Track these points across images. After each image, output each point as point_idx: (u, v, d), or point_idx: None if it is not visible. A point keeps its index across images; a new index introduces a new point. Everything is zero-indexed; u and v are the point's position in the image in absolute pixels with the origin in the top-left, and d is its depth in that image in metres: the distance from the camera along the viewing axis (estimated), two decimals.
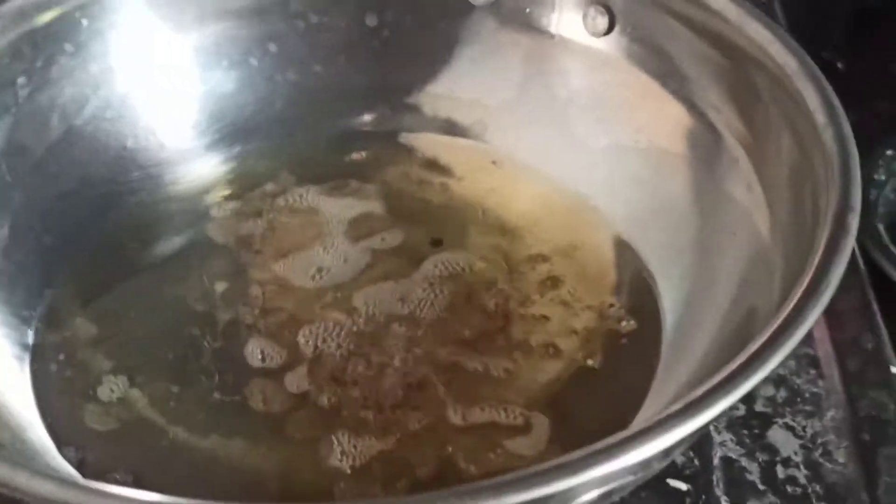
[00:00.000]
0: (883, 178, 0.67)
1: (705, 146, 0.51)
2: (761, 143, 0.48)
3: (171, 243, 0.55)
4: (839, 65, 0.76)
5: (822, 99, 0.44)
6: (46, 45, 0.53)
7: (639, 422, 0.43)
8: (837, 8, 0.84)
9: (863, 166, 0.50)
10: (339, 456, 0.45)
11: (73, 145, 0.55)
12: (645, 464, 0.34)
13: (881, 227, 0.63)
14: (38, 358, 0.49)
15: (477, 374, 0.48)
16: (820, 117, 0.43)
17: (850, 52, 0.77)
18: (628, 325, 0.50)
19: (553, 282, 0.52)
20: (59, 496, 0.31)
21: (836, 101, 0.44)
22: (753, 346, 0.35)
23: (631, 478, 0.37)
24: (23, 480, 0.32)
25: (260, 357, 0.49)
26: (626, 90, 0.55)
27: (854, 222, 0.39)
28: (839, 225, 0.39)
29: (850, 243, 0.38)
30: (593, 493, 0.36)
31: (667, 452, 0.34)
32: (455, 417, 0.46)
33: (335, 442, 0.45)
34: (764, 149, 0.47)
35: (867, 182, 0.63)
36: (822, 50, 0.73)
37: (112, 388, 0.48)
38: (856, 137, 0.43)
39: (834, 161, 0.41)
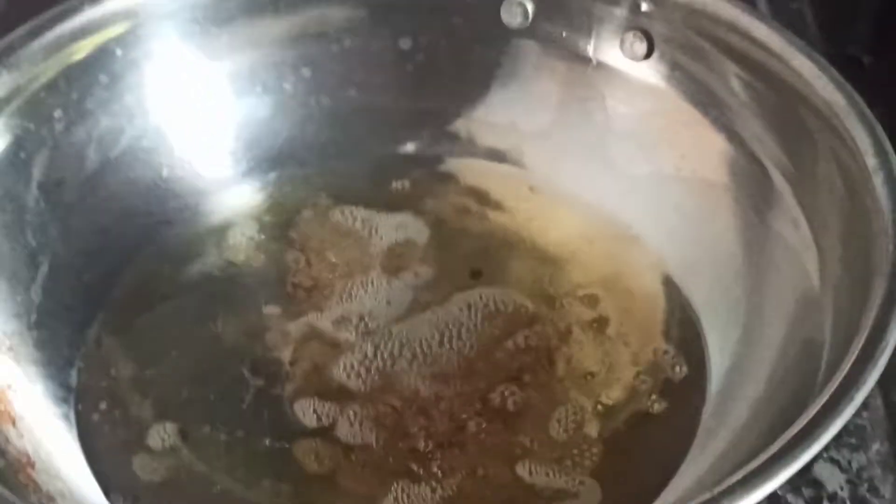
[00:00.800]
0: None
1: (749, 178, 0.51)
2: (808, 179, 0.47)
3: (208, 275, 0.55)
4: (864, 60, 0.75)
5: (873, 140, 0.43)
6: (82, 78, 0.53)
7: (686, 476, 0.43)
8: (864, 3, 0.83)
9: None
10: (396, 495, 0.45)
11: (110, 178, 0.55)
12: None
13: None
14: (83, 400, 0.49)
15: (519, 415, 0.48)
16: (871, 160, 0.43)
17: (877, 46, 0.76)
18: (677, 366, 0.49)
19: (597, 318, 0.52)
20: None
21: (888, 144, 0.43)
22: (809, 413, 0.35)
23: None
24: None
25: (303, 405, 0.49)
26: (667, 117, 0.54)
27: None
28: (894, 278, 0.38)
29: None
30: None
31: None
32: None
33: (389, 492, 0.45)
34: (810, 186, 0.47)
35: None
36: (848, 45, 0.73)
37: (161, 436, 0.47)
38: None
39: (886, 208, 0.41)
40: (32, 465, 0.43)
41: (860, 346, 0.36)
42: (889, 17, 0.81)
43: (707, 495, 0.33)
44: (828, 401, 0.35)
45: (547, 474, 0.46)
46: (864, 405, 0.51)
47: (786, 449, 0.34)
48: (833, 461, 0.50)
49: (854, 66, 0.73)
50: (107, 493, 0.45)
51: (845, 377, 0.36)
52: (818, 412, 0.34)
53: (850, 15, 0.78)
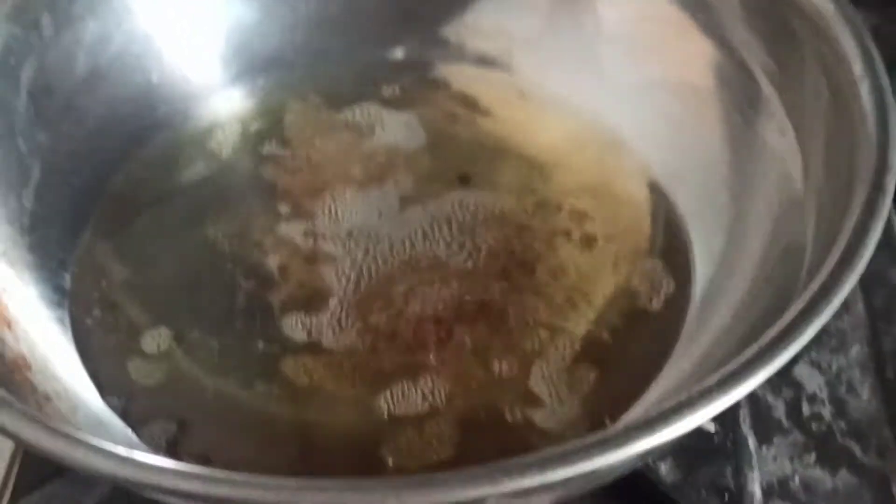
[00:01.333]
0: None
1: (737, 85, 0.51)
2: (795, 86, 0.47)
3: (199, 179, 0.55)
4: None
5: (861, 48, 0.43)
6: None
7: (670, 375, 0.44)
8: None
9: None
10: (384, 403, 0.46)
11: (100, 83, 0.55)
12: (675, 441, 0.34)
13: None
14: (77, 303, 0.49)
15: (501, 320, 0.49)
16: (857, 67, 0.43)
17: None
18: (662, 271, 0.50)
19: (583, 222, 0.52)
20: (120, 473, 0.32)
21: (875, 52, 0.43)
22: (788, 317, 0.35)
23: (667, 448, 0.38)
24: (80, 455, 0.33)
25: (293, 309, 0.49)
26: (656, 23, 0.54)
27: (891, 182, 0.39)
28: (876, 185, 0.39)
29: (887, 204, 0.38)
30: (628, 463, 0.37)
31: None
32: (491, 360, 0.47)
33: (380, 394, 0.46)
34: (797, 93, 0.47)
35: None
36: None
37: (155, 341, 0.48)
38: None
39: (870, 115, 0.41)
40: (28, 367, 0.44)
41: (840, 250, 0.37)
42: None
43: (684, 396, 0.33)
44: (806, 304, 0.35)
45: (530, 374, 0.46)
46: (845, 308, 0.53)
47: (764, 350, 0.34)
48: (813, 363, 0.51)
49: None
50: (102, 394, 0.46)
51: (825, 281, 0.36)
52: (797, 315, 0.35)
53: None
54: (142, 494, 0.35)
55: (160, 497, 0.34)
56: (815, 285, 0.36)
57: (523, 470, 0.31)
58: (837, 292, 0.36)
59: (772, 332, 0.35)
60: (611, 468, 0.35)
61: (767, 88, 0.49)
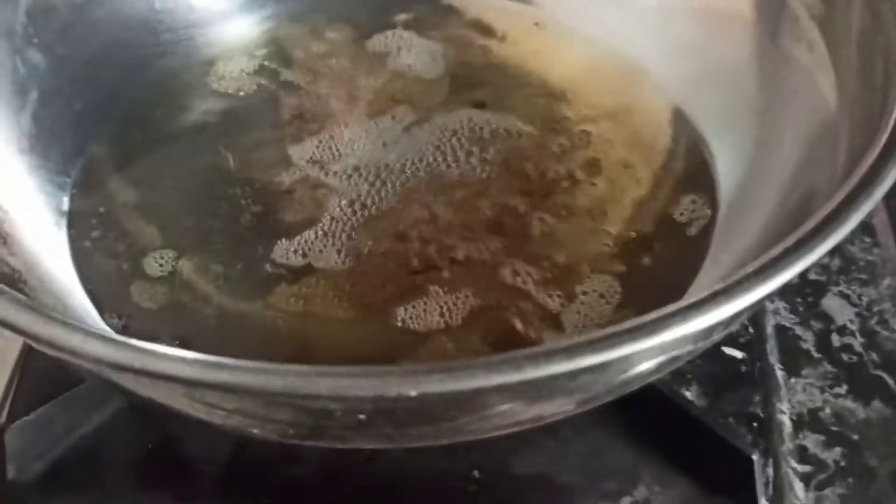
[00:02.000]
0: None
1: (762, 3, 0.49)
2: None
3: (203, 107, 0.53)
4: None
5: None
6: None
7: (696, 289, 0.42)
8: None
9: None
10: (399, 320, 0.44)
11: (101, 6, 0.53)
12: (706, 333, 0.32)
13: None
14: (76, 224, 0.48)
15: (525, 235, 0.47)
16: None
17: None
18: (681, 192, 0.48)
19: (601, 146, 0.50)
20: (118, 358, 0.30)
21: None
22: (816, 219, 0.33)
23: (690, 347, 0.36)
24: (77, 342, 0.31)
25: (301, 230, 0.47)
26: None
27: None
28: None
29: None
30: (653, 362, 0.35)
31: (727, 323, 0.33)
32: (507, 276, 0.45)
33: (394, 309, 0.44)
34: (828, 4, 0.45)
35: None
36: None
37: (158, 263, 0.46)
38: None
39: None
40: (25, 282, 0.42)
41: (871, 161, 0.35)
42: None
43: (716, 287, 0.31)
44: (834, 209, 0.33)
45: (551, 291, 0.45)
46: (875, 242, 0.51)
47: (792, 248, 0.32)
48: (843, 295, 0.49)
49: None
50: (101, 314, 0.44)
51: (864, 174, 0.34)
52: (825, 217, 0.33)
53: None
54: (139, 394, 0.33)
55: (160, 392, 0.33)
56: (843, 191, 0.34)
57: (550, 357, 0.29)
58: (878, 184, 0.34)
59: (800, 233, 0.33)
60: (638, 363, 0.33)
61: (795, 2, 0.47)
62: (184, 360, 0.30)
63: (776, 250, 0.32)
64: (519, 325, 0.43)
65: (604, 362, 0.30)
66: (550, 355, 0.29)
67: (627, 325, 0.30)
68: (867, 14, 0.42)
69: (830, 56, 0.44)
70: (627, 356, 0.30)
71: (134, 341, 0.30)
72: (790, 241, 0.32)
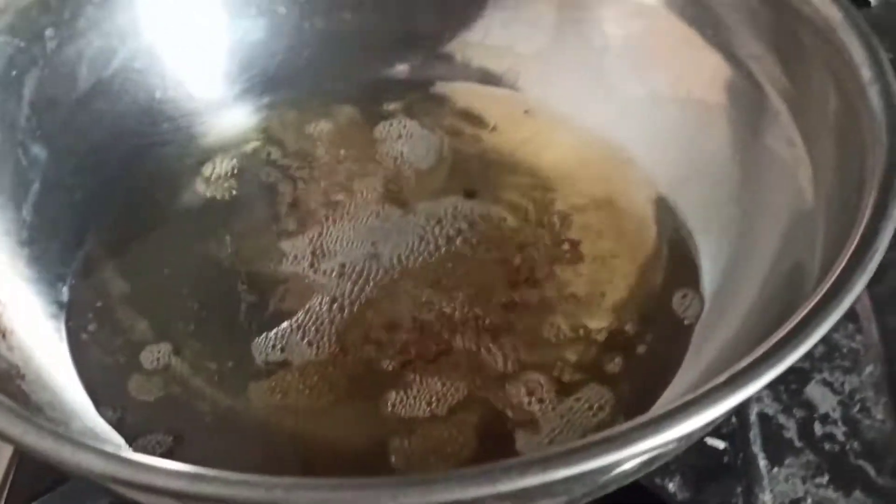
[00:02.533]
0: None
1: (745, 98, 0.50)
2: (804, 96, 0.46)
3: (201, 195, 0.55)
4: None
5: (869, 53, 0.43)
6: None
7: (678, 386, 0.43)
8: None
9: None
10: (388, 409, 0.45)
11: (102, 98, 0.54)
12: (687, 437, 0.33)
13: None
14: (74, 316, 0.49)
15: (510, 326, 0.48)
16: (865, 72, 0.42)
17: None
18: (665, 283, 0.49)
19: (588, 236, 0.51)
20: (107, 470, 0.31)
21: (884, 56, 0.42)
22: (798, 316, 0.34)
23: (673, 447, 0.37)
24: (67, 454, 0.32)
25: (294, 314, 0.49)
26: (663, 38, 0.54)
27: None
28: (886, 187, 0.38)
29: None
30: (634, 463, 0.36)
31: (710, 424, 0.34)
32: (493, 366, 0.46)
33: (381, 399, 0.45)
34: (806, 102, 0.46)
35: None
36: None
37: (155, 356, 0.47)
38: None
39: (880, 118, 0.40)
40: (22, 377, 0.43)
41: (850, 252, 0.36)
42: None
43: (689, 397, 0.32)
44: (815, 304, 0.34)
45: (535, 386, 0.45)
46: (858, 329, 0.52)
47: (770, 352, 0.33)
48: (826, 383, 0.50)
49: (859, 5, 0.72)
50: (97, 406, 0.45)
51: (834, 282, 0.35)
52: (805, 315, 0.34)
53: None
54: (133, 499, 0.34)
55: (151, 500, 0.33)
56: (824, 287, 0.35)
57: (524, 469, 0.30)
58: (848, 292, 0.35)
59: (780, 334, 0.34)
60: (614, 470, 0.34)
61: (776, 100, 0.48)
62: (169, 473, 0.31)
63: (746, 361, 0.33)
64: (509, 413, 0.44)
65: (579, 473, 0.31)
66: (525, 467, 0.30)
67: (602, 435, 0.31)
68: (842, 111, 0.44)
69: (808, 151, 0.46)
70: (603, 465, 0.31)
71: (121, 453, 0.32)
72: (759, 351, 0.33)
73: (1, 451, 0.47)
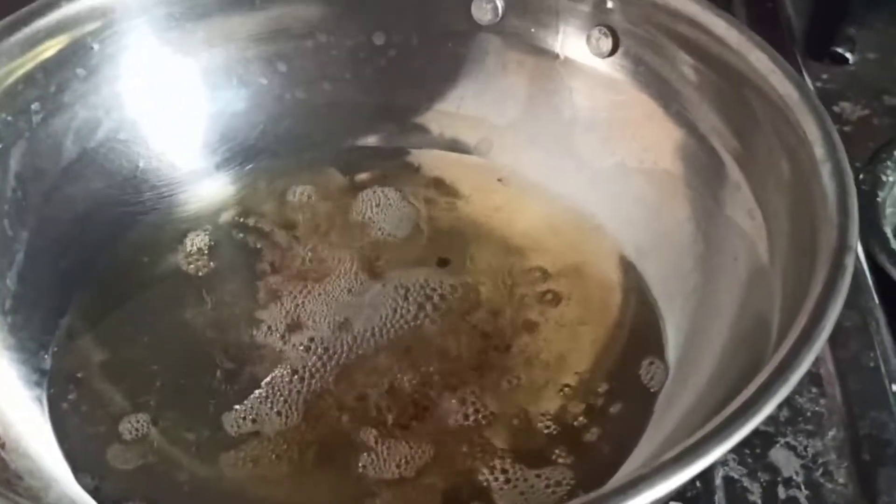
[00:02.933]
0: (891, 178, 0.62)
1: (708, 170, 0.52)
2: (762, 170, 0.48)
3: (182, 263, 0.56)
4: (849, 56, 0.76)
5: (823, 132, 0.44)
6: (59, 71, 0.54)
7: (640, 456, 0.45)
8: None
9: (870, 165, 0.50)
10: (360, 469, 0.46)
11: (87, 168, 0.56)
12: None
13: (888, 231, 0.60)
14: (55, 384, 0.50)
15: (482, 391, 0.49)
16: (819, 150, 0.44)
17: (861, 44, 0.77)
18: (631, 351, 0.51)
19: (558, 303, 0.53)
20: None
21: (836, 136, 0.44)
22: (749, 391, 0.36)
23: None
24: None
25: (269, 384, 0.50)
26: (630, 111, 0.55)
27: (850, 261, 0.39)
28: (836, 264, 0.39)
29: (846, 282, 0.39)
30: None
31: (667, 495, 0.35)
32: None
33: (359, 466, 0.47)
34: (764, 176, 0.48)
35: (874, 183, 0.61)
36: (832, 43, 0.74)
37: (133, 426, 0.48)
38: (863, 132, 0.43)
39: (831, 197, 0.42)
40: (2, 445, 0.44)
41: (800, 328, 0.37)
42: (873, 14, 0.81)
43: (644, 470, 0.33)
44: (765, 381, 0.36)
45: (503, 455, 0.47)
46: (822, 393, 0.53)
47: (722, 426, 0.35)
48: (790, 447, 0.51)
49: (839, 63, 0.74)
50: (75, 474, 0.46)
51: (783, 358, 0.36)
52: (755, 392, 0.35)
53: (835, 13, 0.79)
54: None
55: None
56: (773, 363, 0.36)
57: None
58: (795, 369, 0.36)
59: (731, 409, 0.35)
60: None
61: (735, 172, 0.50)
62: None
63: (695, 437, 0.34)
64: (480, 478, 0.46)
65: None
66: None
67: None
68: (797, 186, 0.45)
69: (765, 222, 0.47)
70: None
71: None
72: (708, 428, 0.35)
73: None
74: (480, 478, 0.46)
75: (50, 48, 0.53)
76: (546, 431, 0.48)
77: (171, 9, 0.57)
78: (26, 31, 0.52)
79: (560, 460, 0.47)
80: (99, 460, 0.47)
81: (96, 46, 0.55)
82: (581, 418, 0.48)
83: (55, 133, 0.55)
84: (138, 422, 0.49)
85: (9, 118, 0.52)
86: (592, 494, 0.32)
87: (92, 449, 0.48)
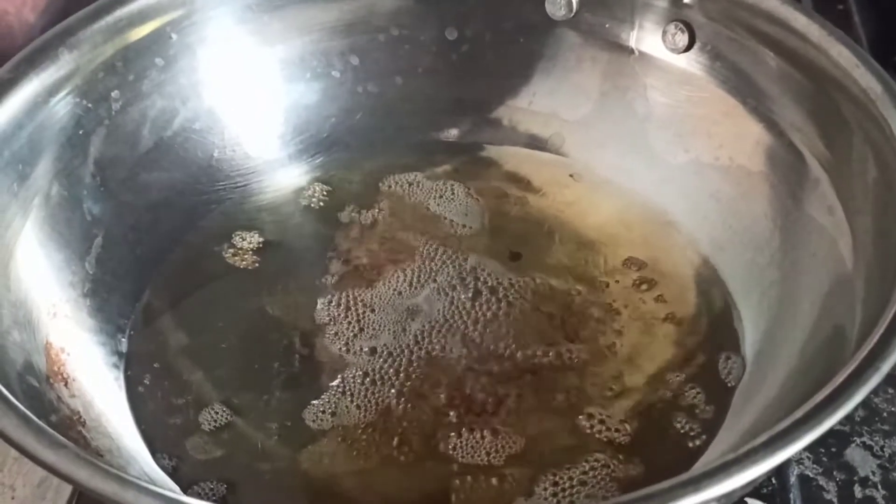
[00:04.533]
0: None
1: (786, 166, 0.51)
2: (844, 166, 0.48)
3: (255, 252, 0.56)
4: None
5: None
6: (138, 60, 0.55)
7: (719, 447, 0.44)
8: None
9: None
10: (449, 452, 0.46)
11: (163, 156, 0.57)
12: (728, 495, 0.34)
13: None
14: (132, 366, 0.51)
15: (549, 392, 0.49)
16: None
17: None
18: (707, 346, 0.50)
19: (631, 299, 0.53)
20: None
21: None
22: (838, 380, 0.35)
23: None
24: (131, 496, 0.33)
25: (347, 368, 0.50)
26: (706, 107, 0.55)
27: None
28: None
29: None
30: None
31: (750, 483, 0.35)
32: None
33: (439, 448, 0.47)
34: (846, 172, 0.47)
35: None
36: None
37: (211, 410, 0.49)
38: None
39: None
40: (83, 423, 0.45)
41: (888, 319, 0.37)
42: None
43: (730, 457, 0.33)
44: (853, 371, 0.35)
45: (582, 440, 0.47)
46: None
47: (807, 416, 0.34)
48: (866, 446, 0.51)
49: None
50: (153, 454, 0.47)
51: (872, 349, 0.36)
52: (843, 381, 0.35)
53: None
54: None
55: None
56: (862, 352, 0.36)
57: None
58: (885, 359, 0.36)
59: (817, 399, 0.35)
60: None
61: (816, 169, 0.49)
62: None
63: (784, 423, 0.34)
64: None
65: None
66: None
67: (643, 492, 0.32)
68: (881, 181, 0.45)
69: (848, 220, 0.47)
70: None
71: (181, 498, 0.33)
72: (798, 414, 0.34)
73: (62, 490, 0.49)
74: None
75: (130, 37, 0.54)
76: (623, 420, 0.48)
77: (249, 0, 0.57)
78: (109, 19, 0.53)
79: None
80: (176, 440, 0.48)
81: (175, 36, 0.56)
82: (658, 410, 0.48)
83: (133, 121, 0.55)
84: (216, 405, 0.49)
85: (89, 105, 0.53)
86: (685, 476, 0.32)
87: (169, 429, 0.48)
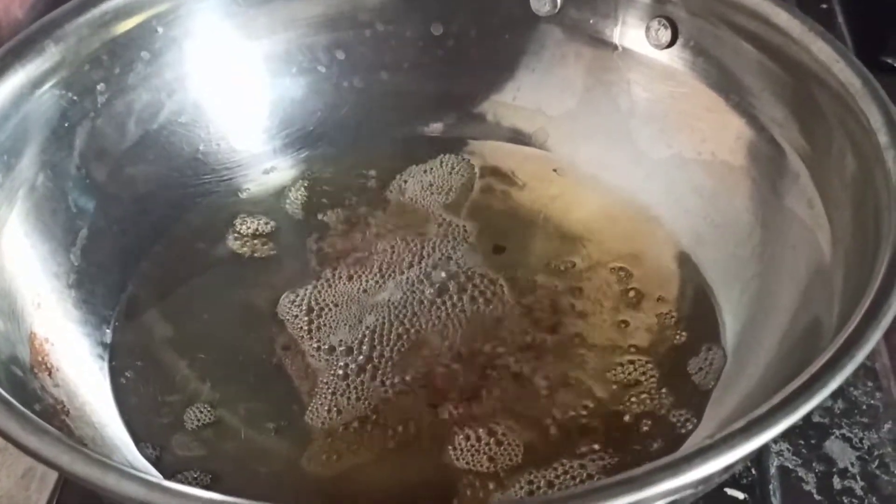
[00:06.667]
0: None
1: (767, 160, 0.52)
2: (823, 160, 0.48)
3: (239, 246, 0.57)
4: None
5: (886, 119, 0.44)
6: (124, 53, 0.55)
7: (700, 434, 0.45)
8: None
9: None
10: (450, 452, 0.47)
11: (149, 149, 0.57)
12: (706, 479, 0.35)
13: None
14: (117, 357, 0.51)
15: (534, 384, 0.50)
16: (882, 138, 0.44)
17: None
18: (687, 338, 0.51)
19: (612, 293, 0.53)
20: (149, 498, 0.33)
21: None
22: (814, 368, 0.36)
23: (691, 492, 0.39)
24: (112, 481, 0.33)
25: (329, 363, 0.51)
26: (689, 103, 0.56)
27: None
28: None
29: None
30: None
31: (728, 468, 0.35)
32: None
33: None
34: (825, 166, 0.48)
35: None
36: (881, 54, 0.74)
37: (194, 403, 0.49)
38: None
39: (894, 183, 0.42)
40: (67, 413, 0.45)
41: (865, 308, 0.37)
42: None
43: (707, 442, 0.34)
44: (829, 359, 0.36)
45: (567, 433, 0.47)
46: (878, 387, 0.53)
47: (786, 401, 0.35)
48: (845, 438, 0.51)
49: (889, 75, 0.74)
50: (136, 443, 0.47)
51: (848, 338, 0.37)
52: (819, 369, 0.36)
53: (885, 23, 0.79)
54: None
55: None
56: (838, 343, 0.36)
57: None
58: (861, 347, 0.36)
59: (794, 385, 0.35)
60: None
61: (796, 163, 0.50)
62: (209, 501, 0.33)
63: (762, 409, 0.34)
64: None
65: None
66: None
67: (621, 476, 0.33)
68: (859, 175, 0.45)
69: (826, 212, 0.47)
70: None
71: (165, 483, 0.33)
72: (775, 400, 0.35)
73: (46, 479, 0.49)
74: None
75: (117, 30, 0.54)
76: (598, 413, 0.48)
77: None
78: (95, 12, 0.53)
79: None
80: (160, 430, 0.48)
81: (161, 30, 0.56)
82: (638, 401, 0.48)
83: (119, 114, 0.56)
84: (198, 395, 0.50)
85: (75, 97, 0.53)
86: (664, 460, 0.32)
87: (152, 419, 0.48)
